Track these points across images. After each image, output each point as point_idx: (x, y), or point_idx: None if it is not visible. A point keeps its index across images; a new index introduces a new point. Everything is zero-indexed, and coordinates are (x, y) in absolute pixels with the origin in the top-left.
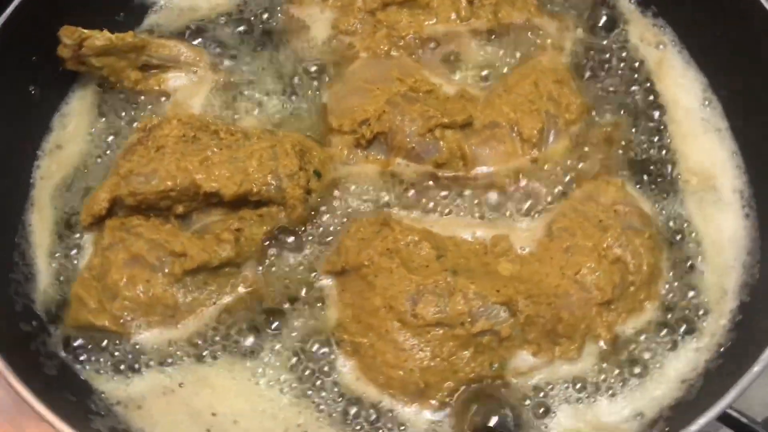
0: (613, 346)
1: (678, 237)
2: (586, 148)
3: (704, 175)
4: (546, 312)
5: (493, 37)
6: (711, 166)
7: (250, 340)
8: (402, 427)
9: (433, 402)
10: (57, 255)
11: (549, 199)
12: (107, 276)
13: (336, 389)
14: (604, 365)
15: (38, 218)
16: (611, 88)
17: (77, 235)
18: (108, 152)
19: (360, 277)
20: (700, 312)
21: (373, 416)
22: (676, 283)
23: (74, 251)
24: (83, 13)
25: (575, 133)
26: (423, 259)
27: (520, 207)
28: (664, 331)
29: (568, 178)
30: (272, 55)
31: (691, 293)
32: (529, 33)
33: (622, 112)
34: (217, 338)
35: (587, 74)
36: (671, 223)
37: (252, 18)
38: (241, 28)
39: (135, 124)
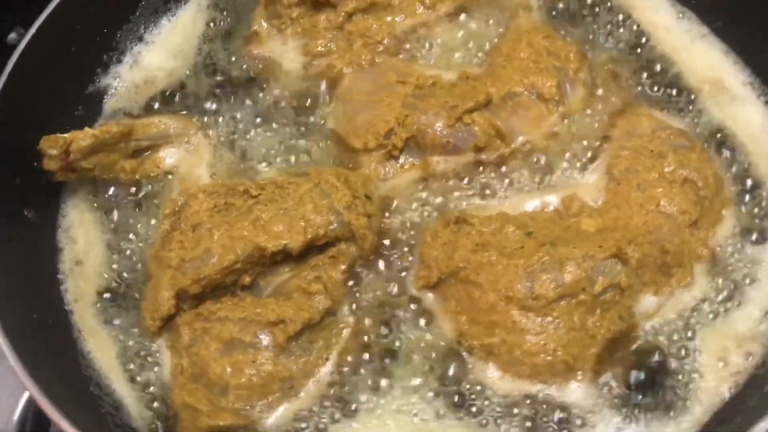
0: (715, 260)
1: (716, 143)
2: (599, 91)
3: (712, 79)
4: (651, 249)
5: (463, 15)
6: (713, 70)
7: (378, 381)
8: (569, 409)
9: (585, 374)
10: (133, 373)
11: (593, 147)
12: (207, 373)
13: (487, 396)
14: (717, 280)
15: (94, 344)
16: (591, 32)
17: (146, 345)
18: (129, 250)
19: (460, 281)
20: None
21: (536, 409)
22: (739, 184)
23: (149, 362)
24: (42, 119)
25: (584, 79)
26: (515, 242)
27: (570, 164)
28: (752, 231)
29: (599, 123)
30: (256, 100)
31: (753, 184)
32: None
33: (612, 49)
34: (346, 389)
35: (565, 24)
36: (705, 132)
37: (218, 71)
38: (213, 84)
39: (156, 218)
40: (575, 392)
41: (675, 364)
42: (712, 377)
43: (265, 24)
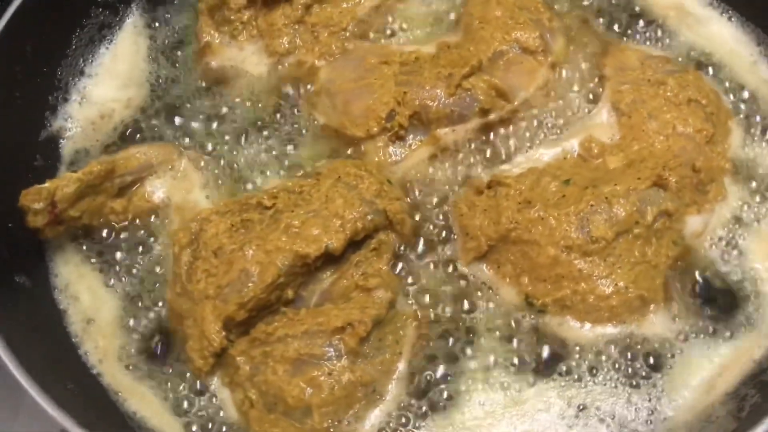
0: (737, 169)
1: (697, 64)
2: (573, 33)
3: (674, 5)
4: (684, 171)
5: None
6: None
7: (458, 362)
8: (654, 342)
9: (658, 304)
10: (192, 422)
11: (592, 89)
12: (283, 398)
13: (573, 351)
14: (748, 186)
15: (138, 402)
16: None
17: (197, 389)
18: (142, 294)
19: (512, 243)
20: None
21: (624, 351)
22: (731, 96)
23: (207, 406)
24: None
25: (560, 27)
26: (556, 193)
27: (575, 109)
28: (757, 131)
29: (588, 66)
30: (229, 112)
31: (745, 94)
32: None
33: None
34: (429, 379)
35: None
36: (685, 56)
37: (179, 91)
38: (178, 105)
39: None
40: (655, 324)
41: (736, 276)
42: None
43: (215, 33)
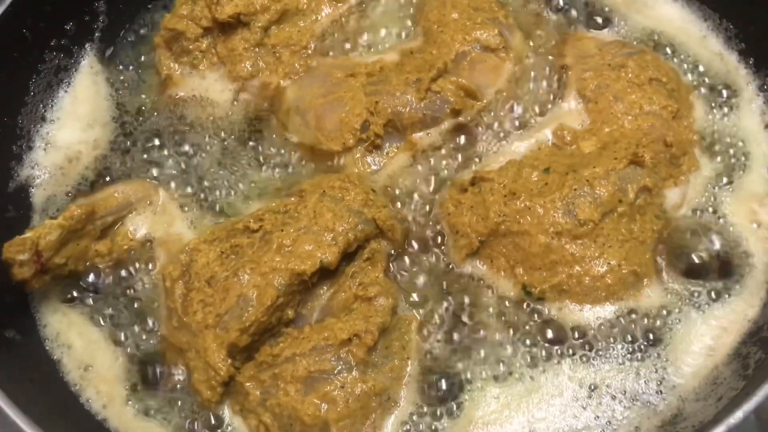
0: (703, 139)
1: (653, 44)
2: (528, 28)
3: None
4: (657, 146)
5: None
6: None
7: (466, 360)
8: (654, 314)
9: (651, 277)
10: None
11: (556, 78)
12: (299, 418)
13: (577, 333)
14: (716, 156)
15: None
16: None
17: (207, 420)
18: (136, 334)
19: (503, 236)
20: (719, 76)
21: (626, 326)
22: (687, 72)
23: None
24: None
25: (514, 24)
26: (537, 182)
27: (541, 99)
28: (721, 106)
29: (548, 57)
30: (200, 143)
31: (699, 68)
32: None
33: None
34: (440, 379)
35: None
36: (639, 39)
37: (145, 126)
38: (146, 140)
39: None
40: (650, 297)
41: (719, 240)
42: (753, 239)
43: (174, 65)
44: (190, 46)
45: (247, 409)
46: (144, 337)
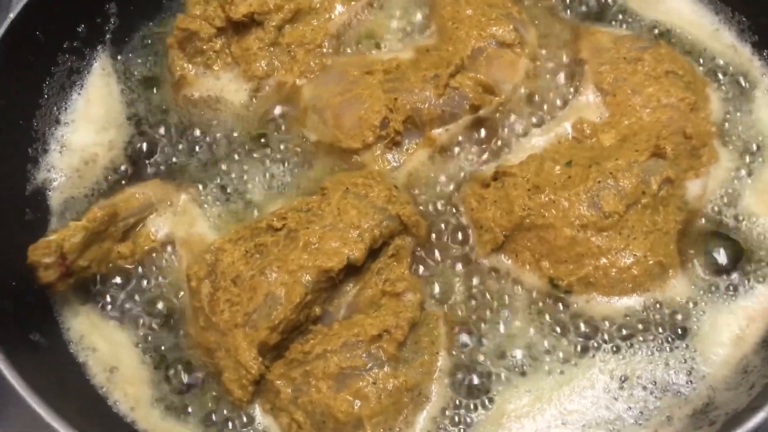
0: (721, 132)
1: (664, 39)
2: (537, 22)
3: None
4: (677, 138)
5: None
6: None
7: (496, 354)
8: (680, 305)
9: (676, 269)
10: None
11: (572, 73)
12: (332, 415)
13: (604, 325)
14: (736, 146)
15: None
16: None
17: (241, 420)
18: (161, 335)
19: (527, 230)
20: (734, 68)
21: (653, 317)
22: (701, 65)
23: None
24: None
25: (528, 19)
26: (560, 175)
27: (559, 93)
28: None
29: (563, 52)
30: (217, 143)
31: (712, 61)
32: None
33: None
34: (470, 374)
35: None
36: (650, 33)
37: (160, 127)
38: (162, 141)
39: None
40: (676, 288)
41: (741, 230)
42: None
43: (188, 65)
44: (204, 47)
45: (278, 407)
46: (168, 337)
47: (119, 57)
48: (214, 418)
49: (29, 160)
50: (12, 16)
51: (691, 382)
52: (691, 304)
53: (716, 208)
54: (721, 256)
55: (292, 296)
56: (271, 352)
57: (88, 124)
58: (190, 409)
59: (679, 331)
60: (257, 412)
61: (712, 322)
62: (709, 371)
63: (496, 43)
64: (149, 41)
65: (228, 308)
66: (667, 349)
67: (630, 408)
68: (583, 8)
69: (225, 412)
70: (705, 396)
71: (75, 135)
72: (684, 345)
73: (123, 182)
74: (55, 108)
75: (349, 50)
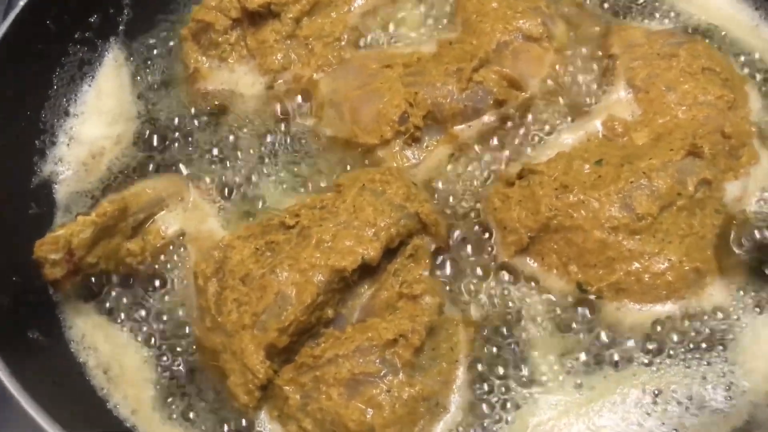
0: (761, 132)
1: (700, 34)
2: (570, 18)
3: None
4: (714, 137)
5: None
6: None
7: (521, 364)
8: (717, 314)
9: (714, 275)
10: None
11: (603, 68)
12: (343, 423)
13: (639, 334)
14: None
15: None
16: None
17: (245, 426)
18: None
19: (555, 232)
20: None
21: (688, 326)
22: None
23: None
24: None
25: (556, 13)
26: (590, 174)
27: (588, 90)
28: None
29: (593, 47)
30: (230, 137)
31: (752, 57)
32: None
33: None
34: (491, 385)
35: None
36: (685, 28)
37: (172, 121)
38: (173, 136)
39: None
40: (713, 296)
41: None
42: None
43: (202, 58)
44: (219, 39)
45: (286, 414)
46: (173, 339)
47: (132, 49)
48: (218, 424)
49: (36, 152)
50: (21, 4)
51: (730, 397)
52: (729, 314)
53: (757, 212)
54: (761, 264)
55: (303, 296)
56: (280, 356)
57: (98, 117)
58: (192, 415)
59: (717, 343)
60: (263, 419)
61: (752, 334)
62: (750, 386)
63: (522, 36)
64: (163, 33)
65: (235, 308)
66: (705, 362)
67: (664, 424)
68: (613, 3)
69: (230, 418)
70: (745, 413)
71: (84, 127)
72: (723, 358)
73: (131, 177)
74: (65, 99)
75: (366, 44)
